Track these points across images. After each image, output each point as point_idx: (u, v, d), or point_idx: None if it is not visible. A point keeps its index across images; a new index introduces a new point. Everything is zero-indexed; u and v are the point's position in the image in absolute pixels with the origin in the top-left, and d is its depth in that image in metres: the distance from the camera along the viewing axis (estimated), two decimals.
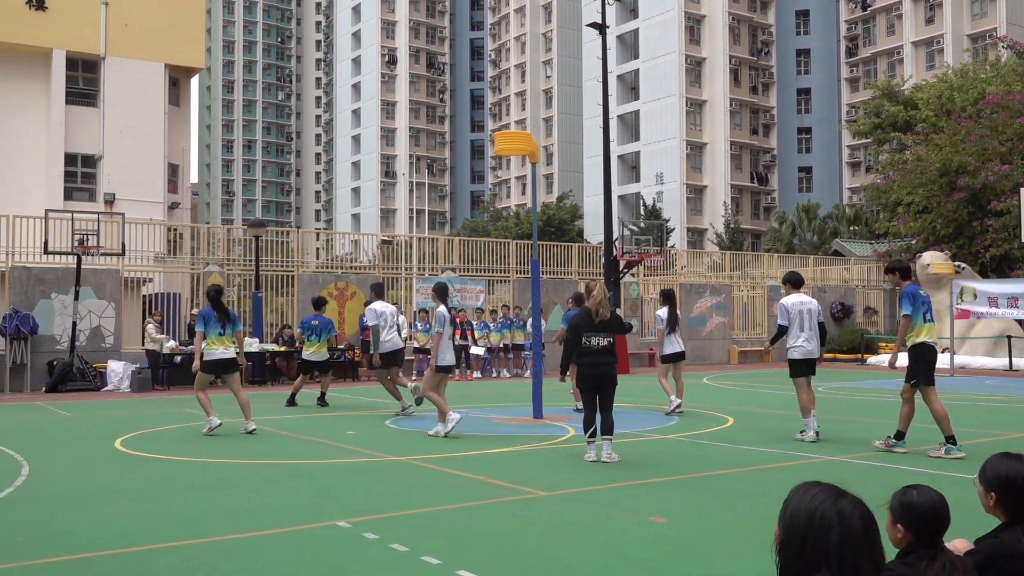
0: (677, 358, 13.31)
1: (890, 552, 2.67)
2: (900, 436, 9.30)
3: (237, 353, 11.33)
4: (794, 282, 10.69)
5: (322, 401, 15.03)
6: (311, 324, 15.49)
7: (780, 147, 67.09)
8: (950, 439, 8.98)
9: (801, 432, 10.25)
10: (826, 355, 29.86)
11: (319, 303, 15.90)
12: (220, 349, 11.12)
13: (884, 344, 30.18)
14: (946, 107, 32.97)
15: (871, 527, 2.12)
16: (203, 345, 11.04)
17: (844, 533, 2.09)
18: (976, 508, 3.17)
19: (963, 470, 8.03)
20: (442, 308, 10.83)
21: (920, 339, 9.32)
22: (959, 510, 2.95)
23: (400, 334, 14.02)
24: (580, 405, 14.01)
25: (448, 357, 10.85)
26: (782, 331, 10.40)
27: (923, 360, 9.24)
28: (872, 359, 28.35)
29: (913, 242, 31.73)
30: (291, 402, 15.02)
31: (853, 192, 61.47)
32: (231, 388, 11.28)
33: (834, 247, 40.25)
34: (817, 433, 10.12)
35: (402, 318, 22.22)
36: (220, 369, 11.19)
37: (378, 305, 13.49)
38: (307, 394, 16.26)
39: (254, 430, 11.04)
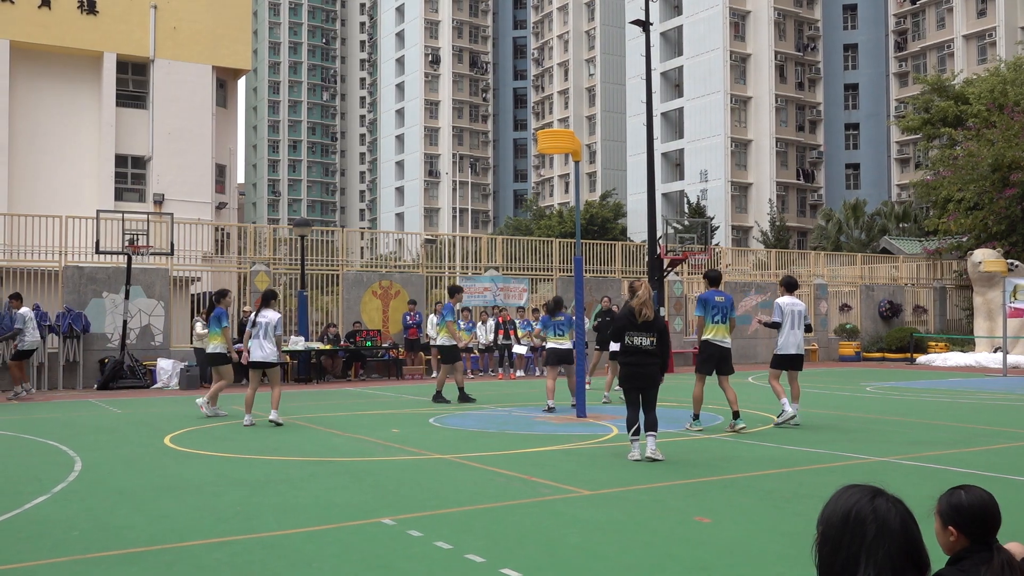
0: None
1: (939, 557, 2.63)
2: (736, 415, 10.93)
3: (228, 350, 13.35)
4: (788, 285, 11.96)
5: (464, 397, 15.04)
6: (451, 309, 15.07)
7: (827, 143, 66.20)
8: (696, 417, 11.08)
9: (779, 415, 11.36)
10: (874, 354, 29.59)
11: (454, 291, 15.53)
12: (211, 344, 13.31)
13: (933, 343, 29.67)
14: (998, 101, 32.27)
15: (910, 526, 2.10)
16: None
17: (880, 531, 2.07)
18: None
19: (1012, 471, 7.87)
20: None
21: (704, 337, 11.08)
22: (1013, 511, 2.88)
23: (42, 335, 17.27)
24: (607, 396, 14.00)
25: (259, 355, 12.09)
26: (775, 326, 11.59)
27: (703, 354, 11.08)
28: (921, 358, 27.89)
29: (964, 239, 31.15)
30: (439, 398, 14.98)
31: (902, 189, 60.47)
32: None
33: (882, 245, 39.62)
34: (792, 419, 11.33)
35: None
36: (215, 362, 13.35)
37: (25, 310, 16.42)
38: (349, 392, 16.35)
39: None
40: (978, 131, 31.13)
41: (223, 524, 6.06)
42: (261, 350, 11.96)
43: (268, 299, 12.25)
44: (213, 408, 13.09)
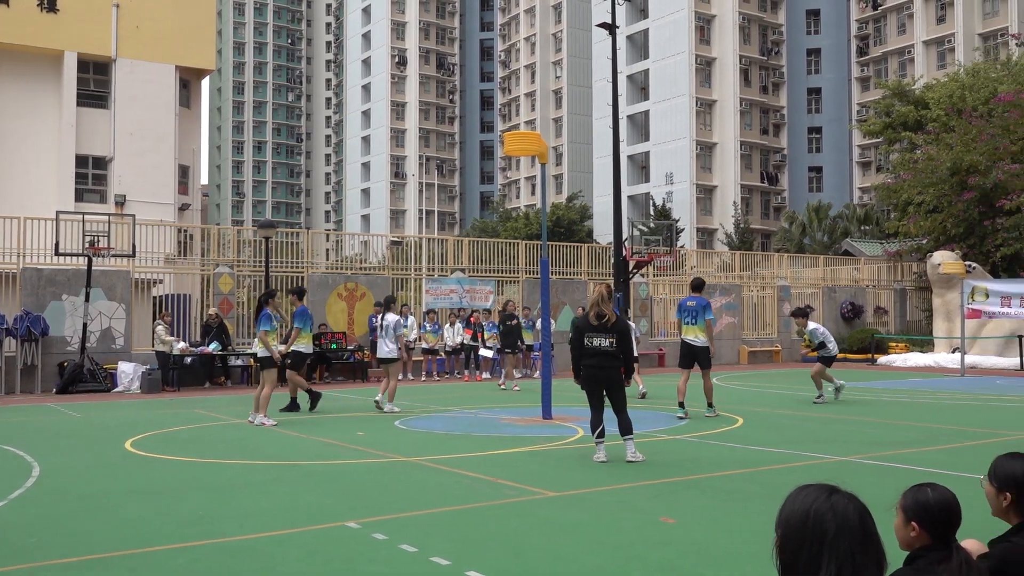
0: None
1: (896, 553, 2.66)
2: (708, 405, 12.89)
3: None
4: (806, 315, 16.20)
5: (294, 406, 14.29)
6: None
7: (790, 147, 66.91)
8: (680, 404, 12.73)
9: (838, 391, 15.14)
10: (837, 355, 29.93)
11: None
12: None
13: (894, 344, 30.07)
14: (957, 106, 32.79)
15: (867, 520, 2.13)
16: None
17: (840, 527, 2.09)
18: (984, 509, 3.15)
19: (969, 470, 8.00)
20: None
21: (681, 336, 12.99)
22: (968, 510, 2.93)
23: None
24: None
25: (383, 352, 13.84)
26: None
27: (681, 351, 13.00)
28: (882, 359, 28.26)
29: (924, 242, 31.61)
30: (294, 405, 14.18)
31: (864, 192, 61.26)
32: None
33: (844, 247, 40.12)
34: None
35: (411, 319, 22.30)
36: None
37: None
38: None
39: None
40: (937, 135, 31.61)
41: (186, 529, 6.00)
42: (384, 348, 14.00)
43: (388, 304, 14.52)
44: (260, 417, 12.24)
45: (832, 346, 15.33)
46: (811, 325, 15.35)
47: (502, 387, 18.83)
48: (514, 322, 19.90)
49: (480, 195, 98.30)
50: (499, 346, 20.64)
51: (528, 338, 23.27)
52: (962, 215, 29.44)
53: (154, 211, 27.25)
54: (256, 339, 12.75)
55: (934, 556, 2.56)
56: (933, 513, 2.62)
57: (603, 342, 8.60)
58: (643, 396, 15.78)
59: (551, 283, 22.24)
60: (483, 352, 22.33)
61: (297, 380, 14.08)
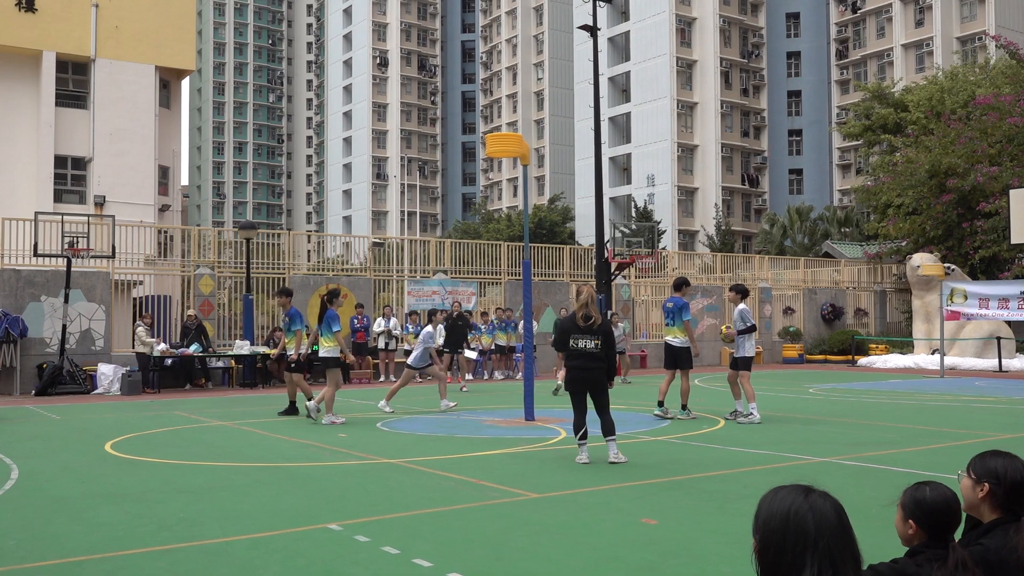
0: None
1: (891, 548, 2.68)
2: (683, 407, 12.82)
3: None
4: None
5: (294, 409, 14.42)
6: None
7: (771, 149, 67.23)
8: (659, 404, 12.85)
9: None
10: (817, 356, 30.11)
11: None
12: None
13: (874, 346, 30.27)
14: (936, 109, 33.08)
15: (844, 518, 2.13)
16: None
17: (820, 525, 2.09)
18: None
19: (950, 470, 8.06)
20: None
21: (664, 338, 13.21)
22: None
23: None
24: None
25: None
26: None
27: (665, 352, 13.14)
28: (862, 360, 28.44)
29: (903, 244, 31.85)
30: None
31: (844, 194, 61.64)
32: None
33: (825, 249, 40.34)
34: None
35: (394, 320, 22.28)
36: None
37: None
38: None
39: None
40: (916, 138, 31.86)
41: (165, 532, 5.96)
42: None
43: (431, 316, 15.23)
44: (330, 416, 12.50)
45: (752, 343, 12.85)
46: (742, 305, 12.66)
47: (464, 390, 18.75)
48: (460, 323, 19.87)
49: (462, 196, 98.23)
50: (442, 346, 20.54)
51: (511, 339, 23.34)
52: (941, 217, 29.69)
53: (134, 212, 27.07)
54: (327, 340, 12.72)
55: (933, 553, 2.58)
56: (928, 512, 2.64)
57: (588, 343, 8.61)
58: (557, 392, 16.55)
59: (533, 285, 22.25)
60: (467, 354, 22.30)
61: (302, 385, 13.89)
